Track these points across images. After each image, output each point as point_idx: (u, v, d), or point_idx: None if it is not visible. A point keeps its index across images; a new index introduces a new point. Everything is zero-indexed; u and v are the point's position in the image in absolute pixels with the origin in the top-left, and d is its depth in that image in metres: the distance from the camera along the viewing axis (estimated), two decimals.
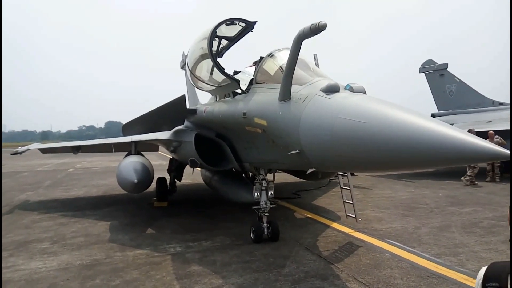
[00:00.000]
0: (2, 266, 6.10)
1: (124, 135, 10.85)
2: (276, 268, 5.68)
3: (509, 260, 1.40)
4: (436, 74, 22.15)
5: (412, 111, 3.63)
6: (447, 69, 21.78)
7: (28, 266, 6.06)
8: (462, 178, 14.14)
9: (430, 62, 22.80)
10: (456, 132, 3.20)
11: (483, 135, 14.17)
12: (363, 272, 5.46)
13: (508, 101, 18.91)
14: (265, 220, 7.01)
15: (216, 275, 5.50)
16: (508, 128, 14.51)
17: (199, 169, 11.93)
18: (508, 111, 17.23)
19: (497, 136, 14.35)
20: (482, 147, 3.00)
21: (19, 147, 13.40)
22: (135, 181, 7.90)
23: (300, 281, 5.17)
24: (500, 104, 19.24)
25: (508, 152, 3.00)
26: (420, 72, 23.21)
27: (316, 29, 4.38)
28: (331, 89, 4.53)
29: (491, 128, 15.44)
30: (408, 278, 5.22)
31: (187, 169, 13.13)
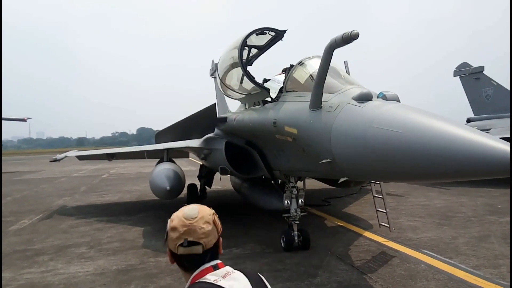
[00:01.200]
0: (44, 269, 6.39)
1: (157, 142, 11.14)
2: (307, 278, 5.63)
3: None
4: (472, 77, 21.36)
5: (449, 120, 3.53)
6: (483, 72, 20.99)
7: (67, 271, 6.30)
8: None
9: (465, 65, 22.03)
10: (497, 142, 3.08)
11: None
12: (398, 284, 5.33)
13: None
14: (295, 228, 6.97)
15: None
16: None
17: (229, 175, 12.05)
18: None
19: None
20: None
21: (58, 154, 13.99)
22: (168, 188, 8.08)
23: None
24: None
25: None
26: (454, 76, 22.45)
27: (348, 39, 4.34)
28: (364, 98, 4.47)
29: None
30: None
31: (217, 174, 13.30)
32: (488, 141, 3.13)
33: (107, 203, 13.56)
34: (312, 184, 13.83)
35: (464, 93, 22.06)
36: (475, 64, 21.63)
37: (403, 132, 3.62)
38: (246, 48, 7.45)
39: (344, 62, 7.08)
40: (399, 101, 4.39)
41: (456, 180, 3.97)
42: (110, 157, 12.98)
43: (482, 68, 21.02)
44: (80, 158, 14.76)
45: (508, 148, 2.98)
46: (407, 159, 3.57)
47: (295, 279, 5.61)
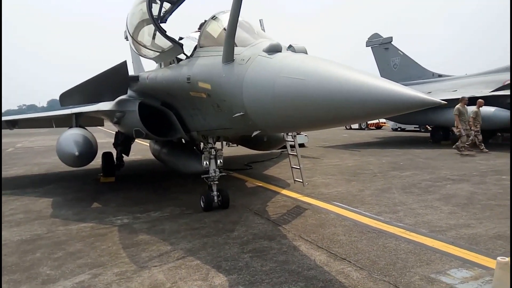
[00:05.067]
0: None
1: (63, 105, 10.06)
2: (225, 233, 5.72)
3: None
4: (382, 47, 22.90)
5: (349, 67, 3.68)
6: (392, 42, 22.57)
7: None
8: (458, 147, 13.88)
9: (376, 36, 23.49)
10: (389, 83, 3.31)
11: None
12: (308, 231, 5.65)
13: (447, 73, 20.13)
14: (215, 188, 6.99)
15: (164, 242, 5.45)
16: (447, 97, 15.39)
17: (148, 145, 11.59)
18: (447, 82, 18.38)
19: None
20: (415, 96, 3.18)
21: None
22: (76, 153, 7.51)
23: (249, 243, 5.26)
24: (440, 76, 20.37)
25: (437, 100, 3.22)
26: (366, 46, 23.87)
27: None
28: (273, 49, 4.50)
29: None
30: (350, 234, 5.48)
31: (135, 144, 12.73)
32: (380, 82, 3.35)
33: (12, 177, 12.33)
34: (235, 151, 14.01)
35: (375, 63, 23.64)
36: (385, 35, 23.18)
37: (305, 79, 3.71)
38: (158, 2, 7.02)
39: (260, 20, 7.05)
40: (306, 53, 4.49)
41: (353, 122, 4.21)
42: (11, 125, 11.61)
43: (391, 39, 22.59)
44: None
45: (399, 89, 3.23)
46: (310, 104, 3.69)
47: (213, 234, 5.67)
